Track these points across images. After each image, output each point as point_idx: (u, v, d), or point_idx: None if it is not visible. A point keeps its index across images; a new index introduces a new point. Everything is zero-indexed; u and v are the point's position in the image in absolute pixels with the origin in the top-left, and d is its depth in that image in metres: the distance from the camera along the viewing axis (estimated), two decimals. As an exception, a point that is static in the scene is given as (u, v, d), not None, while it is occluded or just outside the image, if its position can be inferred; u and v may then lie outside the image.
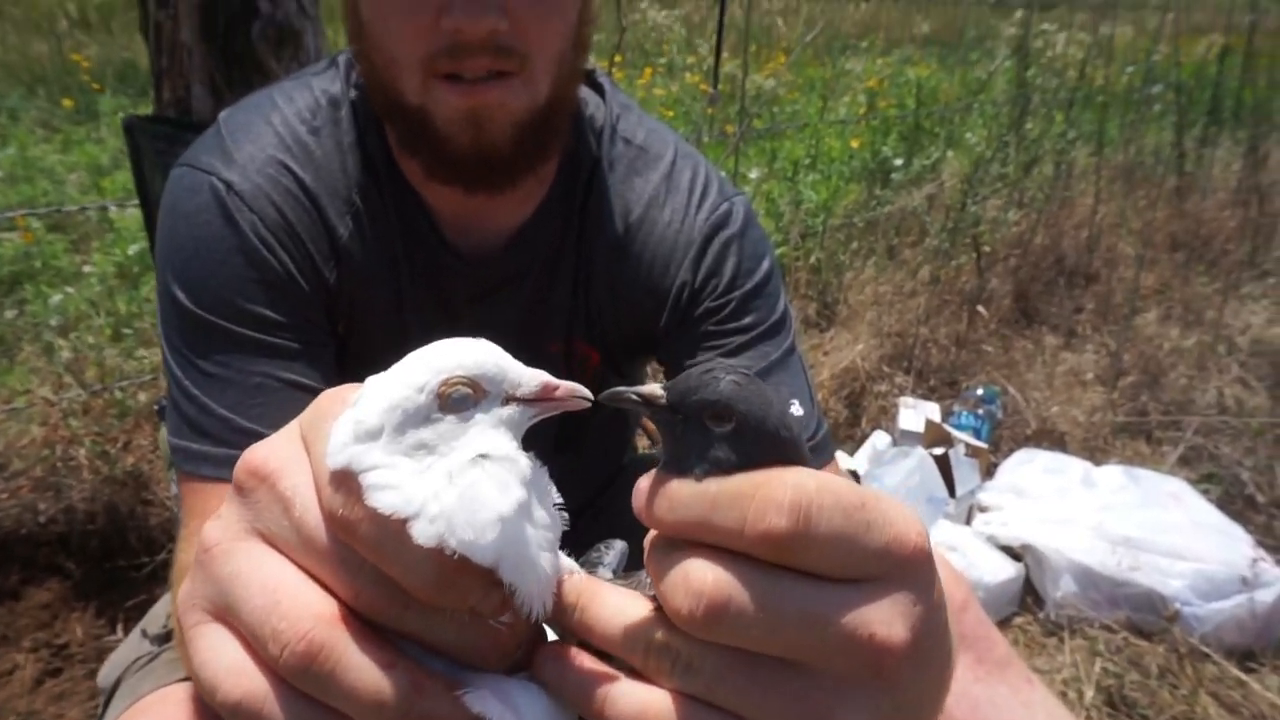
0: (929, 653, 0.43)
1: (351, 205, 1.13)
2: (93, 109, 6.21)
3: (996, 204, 4.36)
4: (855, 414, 3.35)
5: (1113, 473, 2.84)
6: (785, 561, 0.41)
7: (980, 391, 3.40)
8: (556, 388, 0.50)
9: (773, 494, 0.41)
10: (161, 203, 1.12)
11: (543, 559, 0.45)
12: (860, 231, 4.30)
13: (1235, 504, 2.94)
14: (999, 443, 3.26)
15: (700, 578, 0.41)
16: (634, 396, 0.47)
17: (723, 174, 1.31)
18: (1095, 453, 3.19)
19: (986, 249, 4.16)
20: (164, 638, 1.19)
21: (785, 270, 3.92)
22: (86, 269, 3.58)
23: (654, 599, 0.45)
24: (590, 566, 0.55)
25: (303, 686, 0.42)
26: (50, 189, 4.81)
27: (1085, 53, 4.96)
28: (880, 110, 5.58)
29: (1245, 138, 5.70)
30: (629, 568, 0.56)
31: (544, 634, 0.49)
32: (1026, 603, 2.55)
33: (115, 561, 2.51)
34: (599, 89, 1.30)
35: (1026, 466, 2.89)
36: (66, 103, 6.18)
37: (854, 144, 5.13)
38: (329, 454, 0.44)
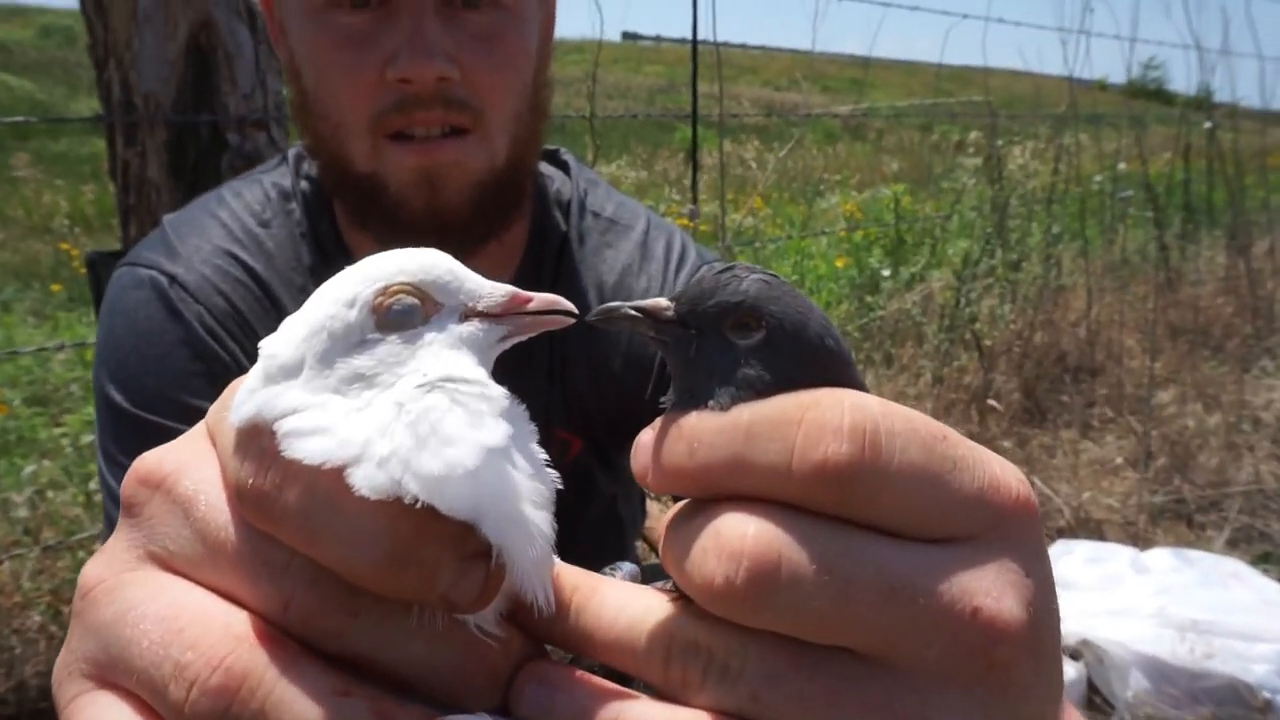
0: (1047, 644, 0.32)
1: (306, 293, 1.06)
2: (85, 295, 6.28)
3: (990, 302, 4.32)
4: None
5: (1162, 555, 2.63)
6: (849, 511, 0.31)
7: (1003, 488, 3.21)
8: (529, 299, 0.39)
9: (827, 415, 0.31)
10: (101, 308, 1.06)
11: (538, 518, 0.34)
12: (856, 341, 4.23)
13: (1299, 583, 2.69)
14: (1032, 539, 3.05)
15: (737, 533, 0.31)
16: (631, 311, 0.37)
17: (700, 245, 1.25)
18: (1136, 540, 2.98)
19: (987, 343, 4.08)
20: None
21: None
22: (58, 430, 3.45)
23: (672, 592, 0.35)
24: None
25: None
26: (34, 366, 4.77)
27: (1053, 160, 5.08)
28: (861, 225, 5.66)
29: (1222, 232, 5.78)
30: None
31: (545, 654, 0.37)
32: (1094, 703, 2.27)
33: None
34: (564, 166, 1.25)
35: (1067, 559, 2.67)
36: (55, 288, 6.26)
37: (839, 263, 5.15)
38: (232, 408, 0.35)
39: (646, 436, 0.35)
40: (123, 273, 1.06)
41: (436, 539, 0.32)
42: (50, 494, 2.59)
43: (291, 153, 1.16)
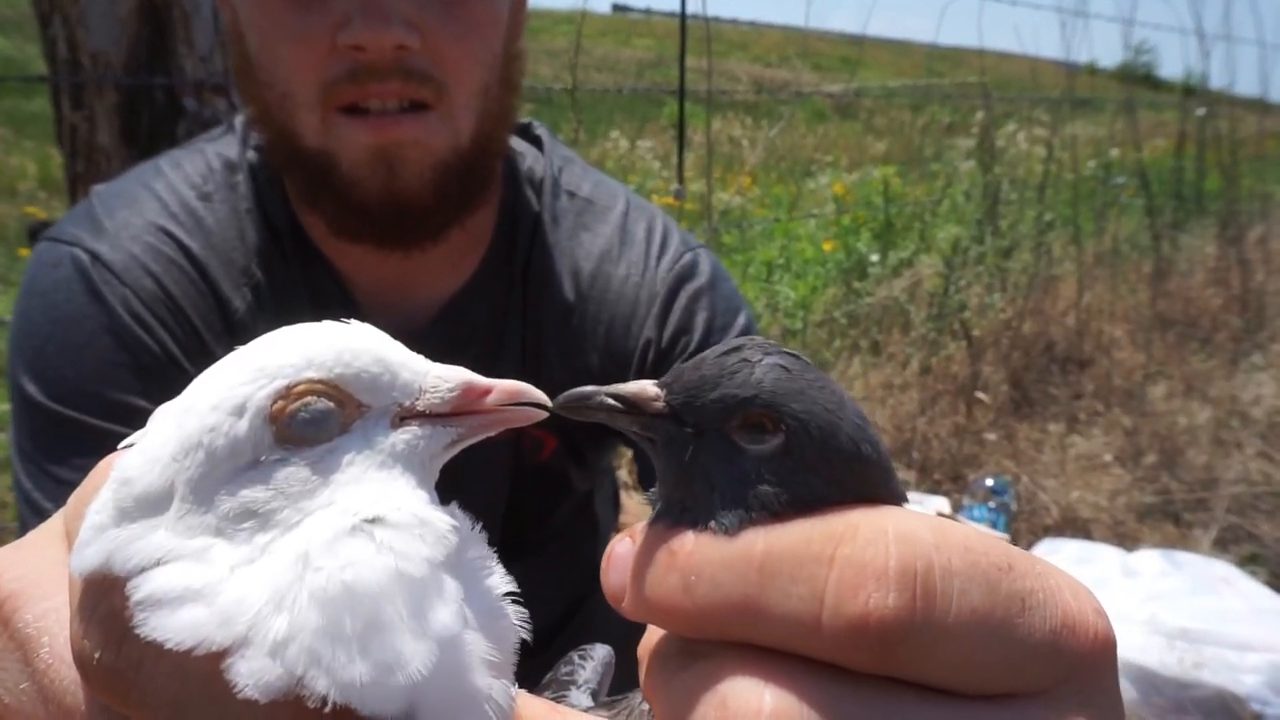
0: None
1: (250, 276, 0.99)
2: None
3: (979, 290, 4.25)
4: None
5: (1151, 558, 2.57)
6: (894, 670, 0.25)
7: (990, 483, 3.15)
8: (486, 390, 0.31)
9: (867, 552, 0.25)
10: (19, 288, 0.97)
11: (495, 690, 0.27)
12: (842, 328, 4.15)
13: (1287, 586, 2.65)
14: (1017, 535, 3.00)
15: (750, 707, 0.25)
16: (609, 400, 0.29)
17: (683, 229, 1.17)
18: (1123, 539, 2.94)
19: (976, 333, 4.01)
20: None
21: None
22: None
23: None
24: (559, 690, 0.39)
25: None
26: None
27: (1047, 148, 5.00)
28: (850, 209, 5.57)
29: (1215, 220, 5.73)
30: (617, 688, 0.38)
31: None
32: (1081, 714, 2.22)
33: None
34: (537, 142, 1.17)
35: (1053, 558, 2.60)
36: (23, 251, 6.10)
37: (827, 246, 5.07)
38: (74, 550, 0.27)
39: (622, 548, 0.29)
40: (42, 249, 0.96)
41: None
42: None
43: (239, 120, 1.06)
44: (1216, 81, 6.34)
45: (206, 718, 0.25)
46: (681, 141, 3.57)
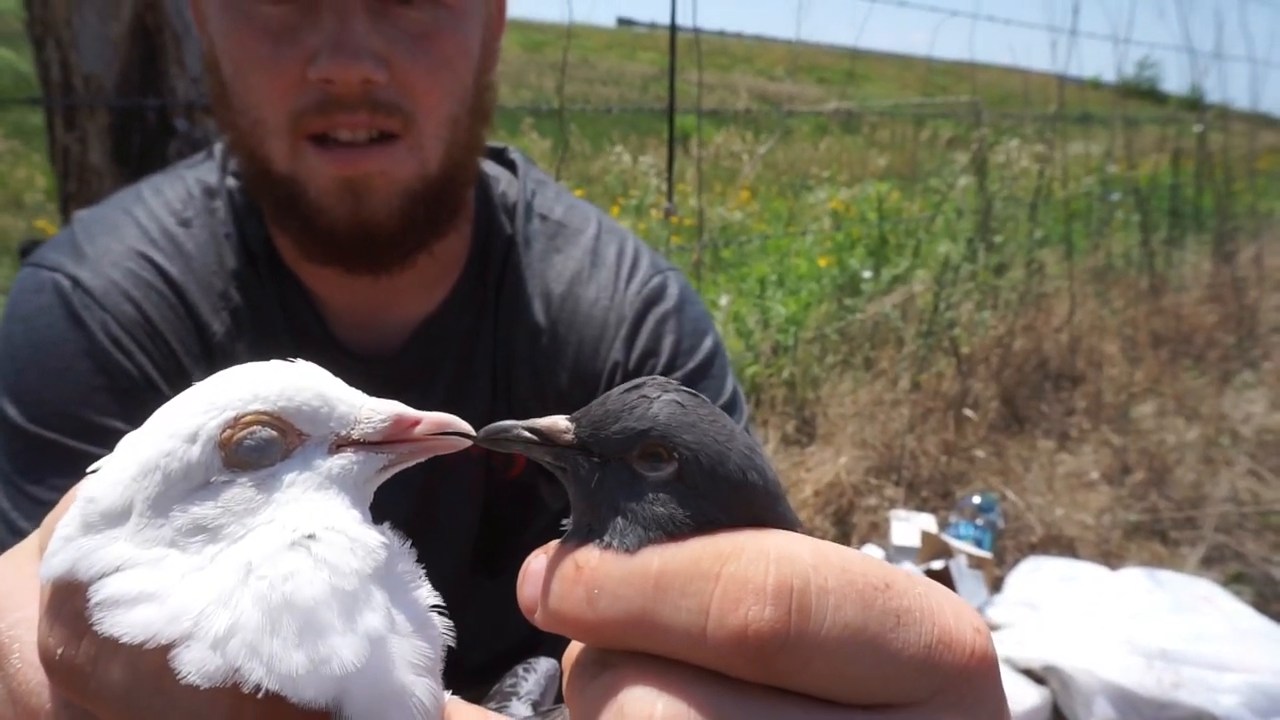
0: None
1: (228, 300, 1.00)
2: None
3: (970, 307, 4.25)
4: (844, 531, 3.09)
5: (1134, 576, 2.57)
6: (774, 680, 0.27)
7: (977, 500, 3.15)
8: (414, 421, 0.34)
9: (748, 570, 0.28)
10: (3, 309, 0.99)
11: (419, 688, 0.30)
12: (834, 344, 4.16)
13: (1271, 605, 2.65)
14: (1003, 553, 2.99)
15: (641, 714, 0.27)
16: (525, 433, 0.33)
17: (655, 251, 1.19)
18: (1109, 557, 2.93)
19: (965, 350, 4.01)
20: None
21: (759, 389, 3.75)
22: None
23: None
24: (502, 700, 0.41)
25: None
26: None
27: (1040, 164, 5.01)
28: (845, 226, 5.58)
29: (1210, 237, 5.73)
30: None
31: None
32: (1059, 733, 2.21)
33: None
34: (511, 166, 1.18)
35: (1037, 575, 2.61)
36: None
37: (821, 263, 5.08)
38: (44, 559, 0.31)
39: (537, 564, 0.31)
40: (25, 274, 0.98)
41: None
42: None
43: (219, 147, 1.08)
44: (1212, 98, 6.35)
45: (154, 706, 0.28)
46: (671, 158, 3.59)
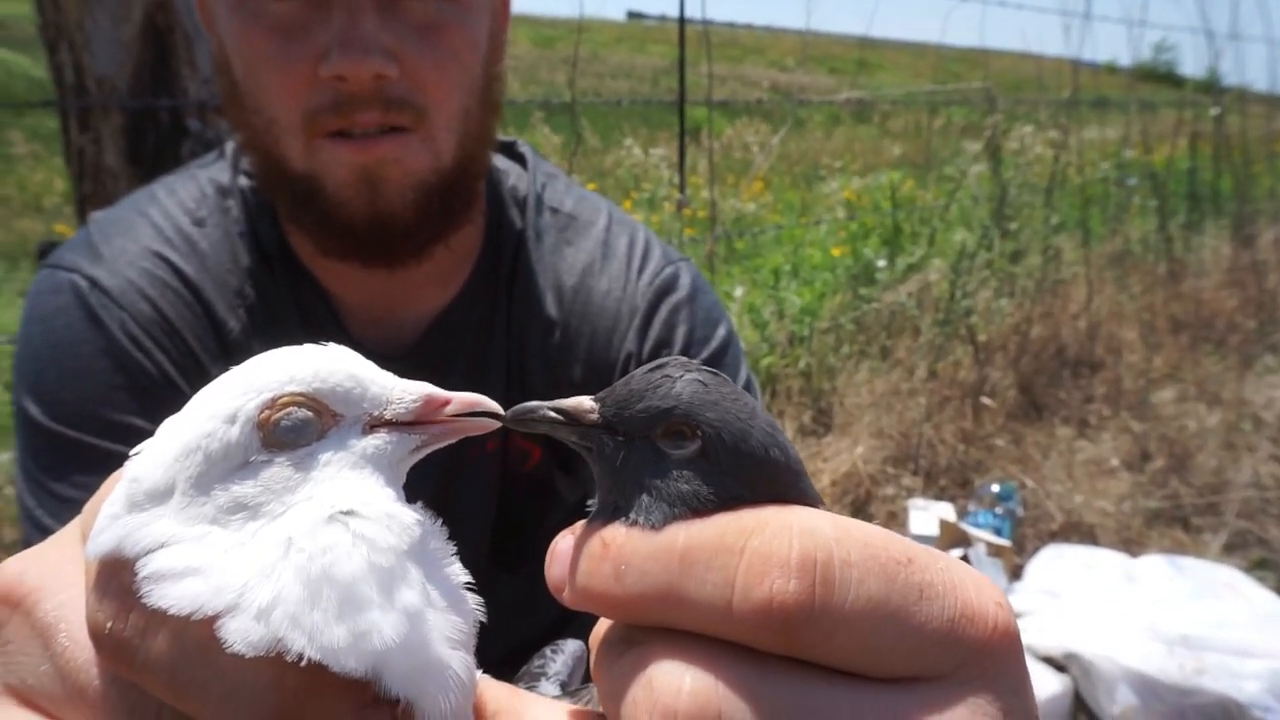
0: None
1: (243, 297, 1.01)
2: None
3: (987, 294, 4.22)
4: (862, 520, 3.08)
5: (1155, 563, 2.55)
6: (799, 653, 0.28)
7: (996, 488, 3.14)
8: (445, 401, 0.36)
9: (772, 544, 0.28)
10: (22, 314, 1.00)
11: (455, 661, 0.31)
12: (849, 334, 4.14)
13: (1296, 591, 2.62)
14: (1023, 541, 2.98)
15: (671, 687, 0.28)
16: (550, 413, 0.33)
17: (666, 242, 1.19)
18: (1129, 544, 2.91)
19: (983, 338, 3.99)
20: None
21: (774, 380, 3.74)
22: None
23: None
24: (530, 680, 0.42)
25: None
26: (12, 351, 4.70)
27: (1055, 150, 4.96)
28: (858, 215, 5.55)
29: (1229, 221, 5.66)
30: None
31: None
32: (1081, 718, 2.20)
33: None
34: (521, 160, 1.19)
35: (1057, 564, 2.60)
36: (43, 270, 6.18)
37: (835, 252, 5.06)
38: (90, 537, 0.31)
39: (564, 543, 0.32)
40: (42, 276, 0.99)
41: (329, 693, 0.28)
42: (8, 490, 2.53)
43: (230, 146, 1.08)
44: (1230, 80, 6.27)
45: (199, 675, 0.29)
46: (682, 150, 3.58)
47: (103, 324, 0.94)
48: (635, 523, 0.31)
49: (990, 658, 0.29)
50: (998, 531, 2.93)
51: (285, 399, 0.32)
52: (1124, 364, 4.21)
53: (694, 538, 0.29)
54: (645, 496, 0.31)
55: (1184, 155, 6.01)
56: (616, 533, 0.31)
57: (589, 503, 0.34)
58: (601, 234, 1.13)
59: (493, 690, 0.34)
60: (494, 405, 0.36)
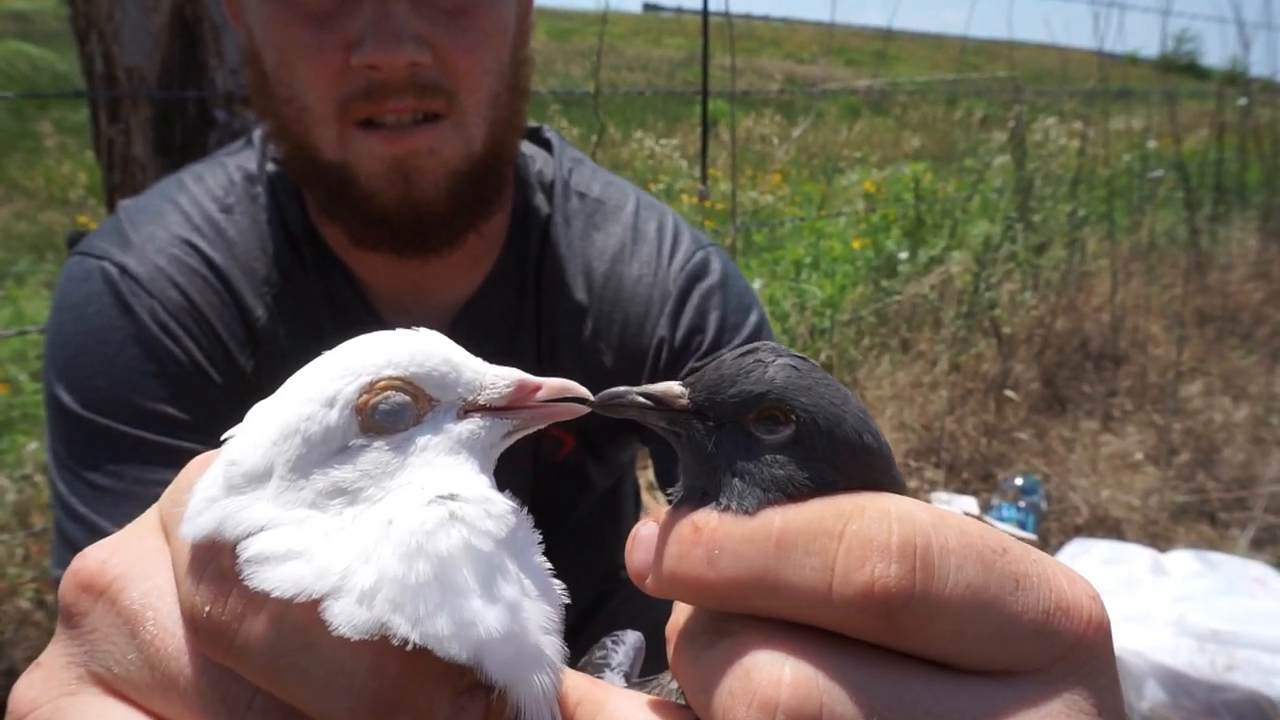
0: None
1: (271, 285, 1.02)
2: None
3: (1011, 287, 4.18)
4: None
5: (1183, 558, 2.52)
6: (896, 641, 0.27)
7: (1020, 482, 3.11)
8: (536, 386, 0.35)
9: (872, 528, 0.28)
10: (52, 300, 1.00)
11: (549, 647, 0.31)
12: (871, 326, 4.11)
13: (1327, 588, 2.58)
14: (1047, 535, 2.95)
15: (771, 678, 0.27)
16: (639, 399, 0.33)
17: (693, 227, 1.18)
18: (1156, 539, 2.88)
19: (1006, 331, 3.95)
20: None
21: (795, 371, 3.72)
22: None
23: (688, 708, 0.31)
24: (594, 671, 0.41)
25: None
26: (40, 340, 4.75)
27: (1081, 141, 4.91)
28: (879, 207, 5.52)
29: (1256, 213, 5.58)
30: (648, 670, 0.41)
31: None
32: (1108, 716, 2.18)
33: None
34: (546, 145, 1.18)
35: (1083, 559, 2.57)
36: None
37: (856, 245, 5.02)
38: (185, 520, 0.31)
39: (647, 530, 0.31)
40: (73, 263, 0.99)
41: (429, 678, 0.28)
42: (38, 478, 2.56)
43: (258, 134, 1.08)
44: (1257, 70, 6.18)
45: (299, 660, 0.29)
46: (705, 141, 3.55)
47: (133, 311, 0.94)
48: (728, 508, 0.30)
49: (1085, 652, 0.29)
50: (1021, 525, 2.91)
51: (383, 383, 0.32)
52: (1149, 357, 4.17)
53: (791, 522, 0.29)
54: (737, 481, 0.31)
55: (1210, 147, 5.94)
56: (709, 517, 0.30)
57: (670, 490, 0.34)
58: (630, 218, 1.12)
59: (573, 679, 0.34)
60: (583, 391, 0.36)
